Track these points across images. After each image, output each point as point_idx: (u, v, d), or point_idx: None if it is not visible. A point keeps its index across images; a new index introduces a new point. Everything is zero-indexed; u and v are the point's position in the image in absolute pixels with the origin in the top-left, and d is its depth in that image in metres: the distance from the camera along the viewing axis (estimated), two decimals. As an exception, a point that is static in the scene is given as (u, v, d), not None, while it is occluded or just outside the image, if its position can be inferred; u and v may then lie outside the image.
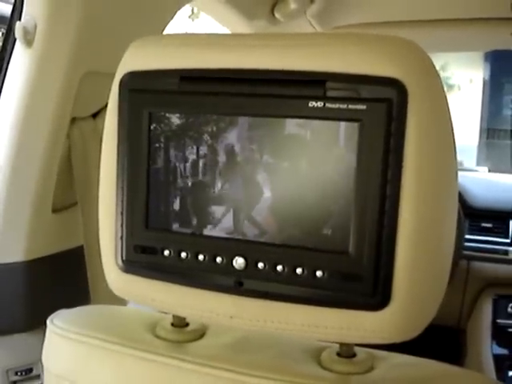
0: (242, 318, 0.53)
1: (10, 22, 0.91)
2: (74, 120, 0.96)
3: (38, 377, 1.00)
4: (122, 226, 0.56)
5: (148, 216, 0.55)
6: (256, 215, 0.51)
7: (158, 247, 0.55)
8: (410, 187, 0.46)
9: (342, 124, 0.47)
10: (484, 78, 7.21)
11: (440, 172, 0.47)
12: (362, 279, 0.48)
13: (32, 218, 0.94)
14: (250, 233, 0.51)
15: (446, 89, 0.48)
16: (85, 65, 0.91)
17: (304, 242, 0.49)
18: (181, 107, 0.53)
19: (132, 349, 0.58)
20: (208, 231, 0.53)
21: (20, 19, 0.85)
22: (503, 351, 1.58)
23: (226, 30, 1.43)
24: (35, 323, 0.96)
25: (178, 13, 1.10)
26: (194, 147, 0.52)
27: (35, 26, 0.84)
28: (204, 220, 0.53)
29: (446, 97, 0.48)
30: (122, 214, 0.56)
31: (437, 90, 0.47)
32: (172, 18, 1.08)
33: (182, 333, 0.60)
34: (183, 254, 0.54)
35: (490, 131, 7.19)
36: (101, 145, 0.58)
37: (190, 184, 0.53)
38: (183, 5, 1.11)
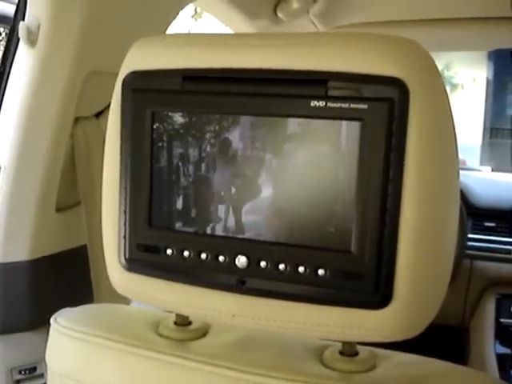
0: (244, 316, 0.53)
1: (13, 22, 0.91)
2: (77, 120, 0.96)
3: (42, 376, 1.00)
4: (125, 224, 0.56)
5: (151, 215, 0.55)
6: (258, 214, 0.51)
7: (161, 246, 0.55)
8: (412, 186, 0.46)
9: (344, 123, 0.47)
10: (487, 78, 7.18)
11: (442, 171, 0.47)
12: (364, 278, 0.48)
13: (36, 217, 0.94)
14: (253, 232, 0.51)
15: (449, 88, 0.48)
16: (88, 64, 0.91)
17: (306, 241, 0.49)
18: (183, 107, 0.53)
19: (135, 347, 0.58)
20: (211, 230, 0.53)
21: (23, 19, 0.86)
22: (506, 350, 1.57)
23: (228, 30, 1.43)
24: (39, 322, 0.96)
25: (181, 12, 1.10)
26: (197, 146, 0.53)
27: (39, 26, 0.84)
28: (207, 219, 0.53)
29: (447, 96, 0.48)
30: (125, 212, 0.56)
31: (438, 90, 0.47)
32: (175, 17, 1.09)
33: (185, 331, 0.61)
34: (186, 253, 0.54)
35: (494, 130, 7.18)
36: (104, 144, 0.58)
37: (192, 183, 0.53)
38: (186, 4, 1.11)
